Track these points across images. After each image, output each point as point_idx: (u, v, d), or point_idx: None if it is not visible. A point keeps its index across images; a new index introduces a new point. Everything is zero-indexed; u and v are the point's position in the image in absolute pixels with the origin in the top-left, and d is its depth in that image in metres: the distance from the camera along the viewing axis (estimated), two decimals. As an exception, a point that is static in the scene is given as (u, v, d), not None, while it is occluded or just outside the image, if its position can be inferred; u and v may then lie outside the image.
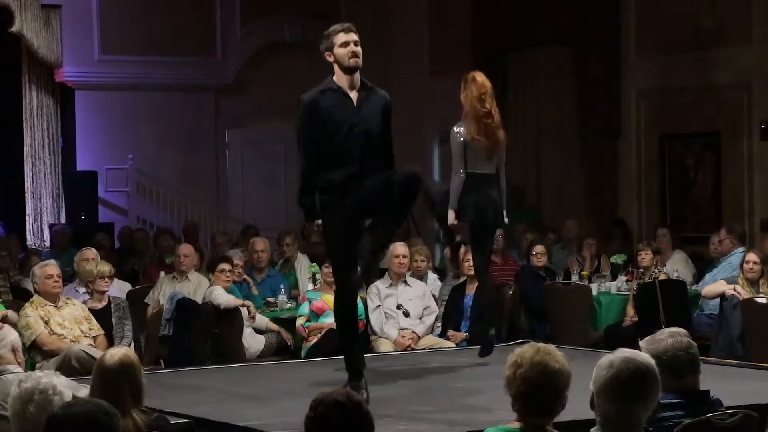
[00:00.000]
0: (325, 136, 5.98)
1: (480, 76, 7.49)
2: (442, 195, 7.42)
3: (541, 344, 3.75)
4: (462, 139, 7.33)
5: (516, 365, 3.67)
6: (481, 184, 7.33)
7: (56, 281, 8.27)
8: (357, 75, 6.09)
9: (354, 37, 6.06)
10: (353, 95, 6.08)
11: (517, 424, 3.68)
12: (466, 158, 7.34)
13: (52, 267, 8.35)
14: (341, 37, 6.05)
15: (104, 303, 8.64)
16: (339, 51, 6.06)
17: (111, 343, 8.23)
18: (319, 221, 6.15)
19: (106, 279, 8.66)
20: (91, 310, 8.47)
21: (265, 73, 16.29)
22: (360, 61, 6.05)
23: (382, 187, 6.03)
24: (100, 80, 15.42)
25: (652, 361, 3.73)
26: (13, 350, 5.40)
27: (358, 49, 6.07)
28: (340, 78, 6.10)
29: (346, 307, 6.20)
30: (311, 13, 16.44)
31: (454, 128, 7.43)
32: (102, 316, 8.48)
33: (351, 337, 6.27)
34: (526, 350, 3.70)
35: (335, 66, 6.08)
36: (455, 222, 7.34)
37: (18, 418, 3.74)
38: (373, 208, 6.06)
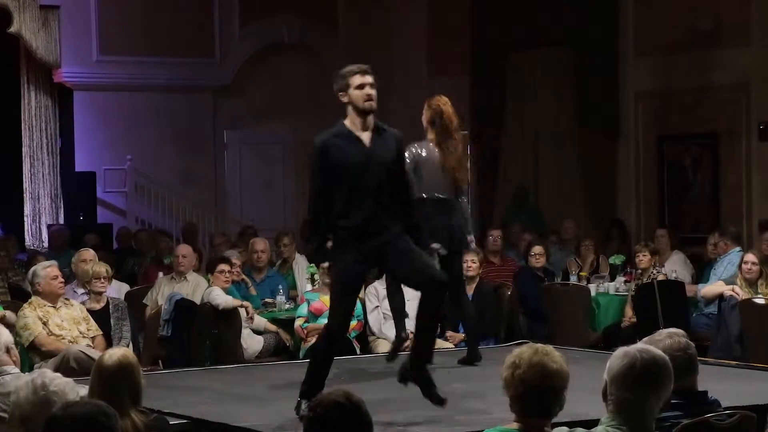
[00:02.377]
0: (339, 180, 5.90)
1: (446, 106, 7.52)
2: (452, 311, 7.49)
3: (539, 345, 3.75)
4: (415, 159, 7.37)
5: (514, 366, 3.67)
6: (437, 208, 7.32)
7: (61, 282, 8.28)
8: (370, 117, 6.02)
9: (370, 79, 5.98)
10: (365, 137, 5.99)
11: (515, 425, 3.68)
12: (425, 182, 7.36)
13: (55, 268, 8.34)
14: (357, 79, 5.97)
15: (102, 304, 8.64)
16: (354, 93, 5.98)
17: (109, 343, 8.23)
18: (326, 264, 6.15)
19: (102, 279, 8.65)
20: (89, 311, 8.46)
21: (264, 74, 16.29)
22: (375, 104, 5.99)
23: (410, 273, 5.96)
24: (98, 81, 15.41)
25: (666, 356, 3.81)
26: (8, 350, 5.39)
27: (374, 92, 5.98)
28: (353, 120, 6.02)
29: (326, 349, 6.08)
30: (310, 14, 16.46)
31: (414, 145, 7.45)
32: (100, 316, 8.48)
33: (319, 371, 6.08)
34: (524, 351, 3.71)
35: (349, 107, 6.01)
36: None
37: (26, 417, 3.73)
38: (391, 273, 6.07)
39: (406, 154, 7.12)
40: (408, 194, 6.16)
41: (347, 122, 6.02)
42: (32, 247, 14.51)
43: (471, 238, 7.74)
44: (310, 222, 6.14)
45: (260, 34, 16.36)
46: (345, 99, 6.01)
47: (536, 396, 3.64)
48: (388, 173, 5.96)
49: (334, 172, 5.91)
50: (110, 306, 8.64)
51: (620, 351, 3.76)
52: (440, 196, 7.40)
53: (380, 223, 5.88)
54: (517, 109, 14.95)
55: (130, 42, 15.41)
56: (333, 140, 5.97)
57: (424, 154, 7.44)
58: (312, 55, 16.61)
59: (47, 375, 3.90)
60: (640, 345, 3.82)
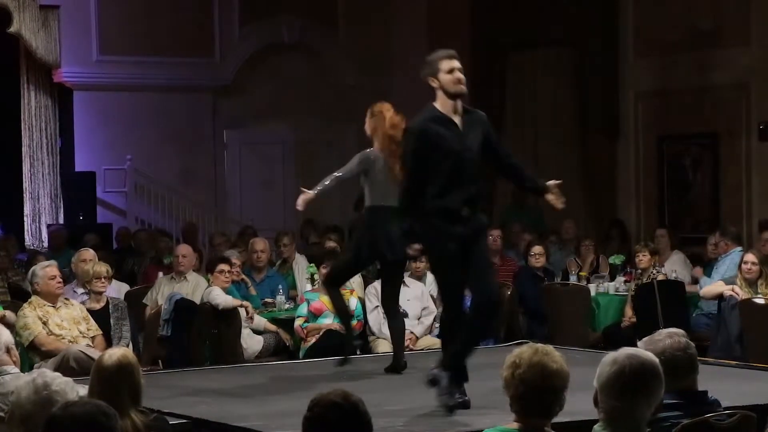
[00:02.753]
0: (435, 163, 6.00)
1: (389, 113, 7.45)
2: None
3: (539, 345, 3.74)
4: (365, 165, 7.35)
5: (514, 366, 3.66)
6: (386, 217, 7.26)
7: (59, 282, 8.28)
8: (459, 101, 6.14)
9: (458, 64, 6.14)
10: (457, 120, 6.11)
11: (515, 425, 3.68)
12: (374, 190, 7.35)
13: (54, 268, 8.34)
14: (446, 64, 6.13)
15: (102, 304, 8.63)
16: (445, 77, 6.11)
17: (109, 343, 8.22)
18: (417, 246, 6.24)
19: (103, 279, 8.65)
20: (89, 310, 8.46)
21: (264, 74, 16.28)
22: (464, 87, 6.13)
23: (475, 278, 6.07)
24: (98, 81, 15.40)
25: (656, 359, 3.75)
26: (8, 350, 5.39)
27: (463, 76, 6.13)
28: (444, 103, 6.12)
29: (455, 317, 6.19)
30: (310, 14, 16.45)
31: (368, 150, 7.45)
32: (100, 316, 8.47)
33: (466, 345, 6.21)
34: (524, 351, 3.70)
35: (438, 92, 6.12)
36: (304, 200, 7.45)
37: (32, 418, 3.73)
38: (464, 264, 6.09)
39: (356, 160, 7.33)
40: (513, 161, 6.38)
41: (438, 105, 6.13)
42: (32, 247, 14.51)
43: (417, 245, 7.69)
44: (405, 204, 6.21)
45: (260, 34, 16.36)
46: (434, 84, 6.12)
47: (536, 396, 3.64)
48: (478, 156, 6.10)
49: (430, 156, 6.00)
50: (110, 306, 8.64)
51: (609, 357, 3.70)
52: (391, 204, 7.24)
53: (473, 205, 6.05)
54: (517, 109, 14.95)
55: (130, 42, 15.40)
56: (429, 124, 6.08)
57: (373, 161, 7.35)
58: (312, 55, 16.61)
59: (48, 375, 3.90)
60: (628, 350, 3.73)
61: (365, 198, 7.51)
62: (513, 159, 6.42)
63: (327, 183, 7.52)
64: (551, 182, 6.64)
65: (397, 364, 7.56)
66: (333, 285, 7.69)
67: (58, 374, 3.95)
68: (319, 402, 3.30)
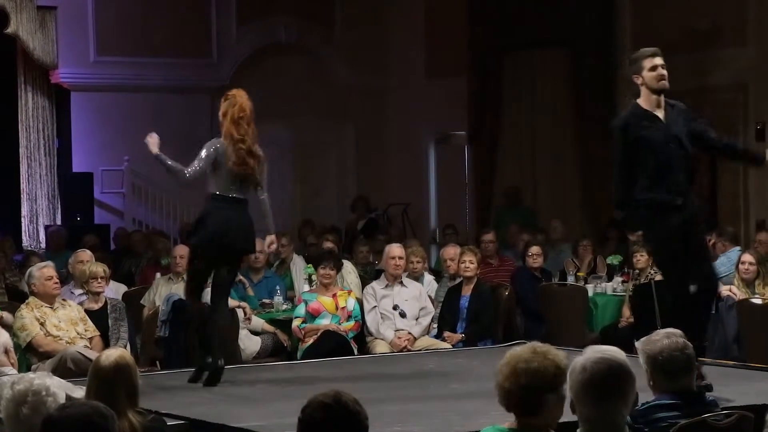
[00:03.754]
0: (641, 156, 6.34)
1: (240, 98, 7.44)
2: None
3: (536, 343, 3.73)
4: (216, 153, 7.27)
5: (510, 363, 3.67)
6: (229, 207, 7.23)
7: (56, 282, 8.27)
8: (662, 96, 6.46)
9: (661, 61, 6.44)
10: (660, 114, 6.44)
11: (512, 424, 3.68)
12: (219, 179, 7.25)
13: (50, 269, 8.33)
14: (649, 62, 6.43)
15: (100, 304, 8.63)
16: (648, 74, 6.43)
17: (106, 344, 8.22)
18: (639, 232, 6.56)
19: (100, 279, 8.64)
20: (87, 311, 8.46)
21: (261, 75, 16.27)
22: (667, 83, 6.45)
23: (698, 265, 6.38)
24: (95, 82, 15.41)
25: (622, 355, 3.68)
26: (6, 351, 5.38)
27: (666, 72, 6.43)
28: (647, 99, 6.45)
29: (681, 299, 6.40)
30: (307, 15, 16.46)
31: (216, 139, 7.39)
32: (98, 317, 8.47)
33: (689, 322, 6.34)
34: (523, 348, 3.70)
35: (642, 88, 6.45)
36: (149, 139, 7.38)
37: (12, 420, 3.73)
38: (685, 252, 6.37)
39: (205, 151, 7.26)
40: (725, 142, 6.67)
41: (641, 102, 6.45)
42: (30, 248, 14.50)
43: (272, 238, 7.58)
44: (619, 195, 6.53)
45: (257, 34, 16.36)
46: (639, 81, 6.47)
47: (529, 394, 3.63)
48: (684, 145, 6.38)
49: (635, 149, 6.33)
50: (108, 306, 8.63)
51: (577, 365, 3.62)
52: (232, 195, 7.27)
53: (683, 194, 6.34)
54: (514, 109, 14.96)
55: (127, 43, 15.40)
56: (631, 119, 6.41)
57: (221, 150, 7.28)
58: (309, 55, 16.61)
59: (25, 377, 3.87)
60: (595, 353, 3.66)
61: (210, 186, 7.31)
62: (724, 139, 6.68)
63: (170, 163, 7.36)
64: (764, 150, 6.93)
65: (212, 369, 7.17)
66: (195, 289, 7.45)
67: (36, 374, 3.90)
68: (311, 404, 3.31)
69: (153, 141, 7.43)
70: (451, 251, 10.13)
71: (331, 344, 8.78)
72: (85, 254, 9.52)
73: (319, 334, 8.91)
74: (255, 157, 7.36)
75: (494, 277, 10.73)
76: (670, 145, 6.33)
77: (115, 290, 9.71)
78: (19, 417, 3.70)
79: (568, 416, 3.85)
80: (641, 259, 10.17)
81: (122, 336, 8.57)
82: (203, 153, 7.33)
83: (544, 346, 3.68)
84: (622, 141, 6.39)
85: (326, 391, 3.34)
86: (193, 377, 7.28)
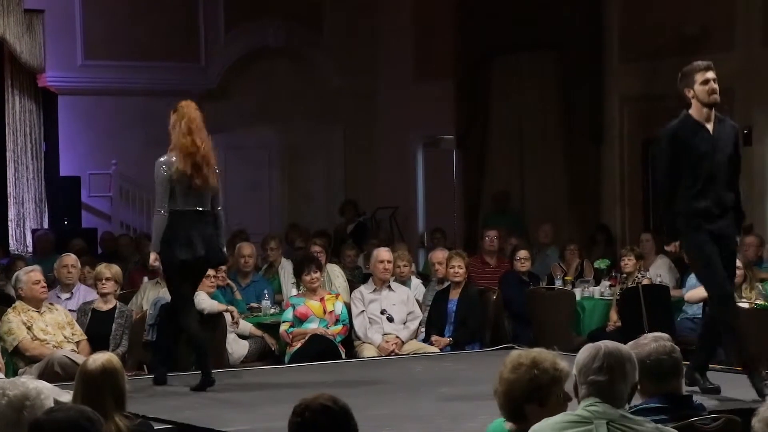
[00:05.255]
0: (686, 166, 6.45)
1: (189, 108, 7.35)
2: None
3: (540, 349, 3.89)
4: (166, 173, 7.20)
5: (512, 366, 3.73)
6: (191, 221, 7.18)
7: (43, 287, 8.27)
8: (713, 109, 6.51)
9: (713, 75, 6.51)
10: (709, 127, 6.50)
11: (513, 426, 3.74)
12: (176, 195, 7.19)
13: (38, 273, 8.33)
14: (701, 75, 6.51)
15: (110, 306, 8.72)
16: (699, 88, 6.49)
17: (103, 346, 8.19)
18: (677, 243, 6.61)
19: (104, 281, 8.73)
20: (95, 310, 8.58)
21: (249, 78, 16.28)
22: (718, 97, 6.52)
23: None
24: (83, 85, 15.37)
25: (630, 350, 3.95)
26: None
27: (717, 86, 6.50)
28: (698, 112, 6.51)
29: (728, 309, 6.58)
30: (295, 18, 16.46)
31: (160, 159, 7.29)
32: (103, 318, 8.57)
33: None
34: (527, 352, 3.85)
35: (693, 101, 6.50)
36: (156, 263, 7.29)
37: (13, 428, 3.70)
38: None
39: (159, 183, 7.19)
40: (736, 182, 6.65)
41: (692, 113, 6.52)
42: (16, 252, 14.46)
43: (223, 252, 7.51)
44: (663, 203, 6.71)
45: (245, 38, 16.35)
46: (690, 94, 6.52)
47: (524, 398, 3.68)
48: (730, 159, 6.51)
49: (683, 158, 6.43)
50: (116, 310, 8.70)
51: (585, 347, 3.92)
52: (196, 208, 7.23)
53: (724, 206, 6.47)
54: (502, 113, 14.97)
55: (114, 46, 15.38)
56: (681, 129, 6.48)
57: (171, 167, 7.21)
58: (298, 59, 16.60)
59: (17, 382, 3.85)
60: (603, 340, 3.97)
61: (168, 203, 7.21)
62: (736, 180, 6.66)
63: (160, 227, 7.24)
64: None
65: (206, 381, 7.22)
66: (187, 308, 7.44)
67: (26, 379, 3.89)
68: (309, 406, 3.30)
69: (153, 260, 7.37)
70: (440, 255, 10.15)
71: (318, 348, 8.77)
72: (70, 258, 9.50)
73: (306, 338, 8.90)
74: (210, 166, 7.29)
75: (492, 278, 10.72)
76: (717, 157, 6.44)
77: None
78: (21, 422, 3.68)
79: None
80: (629, 263, 10.19)
81: (123, 343, 8.62)
82: (157, 185, 7.25)
83: (545, 352, 3.77)
84: (670, 150, 6.48)
85: (321, 394, 3.34)
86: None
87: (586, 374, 3.79)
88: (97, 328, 8.52)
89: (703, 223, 6.43)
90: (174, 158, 7.24)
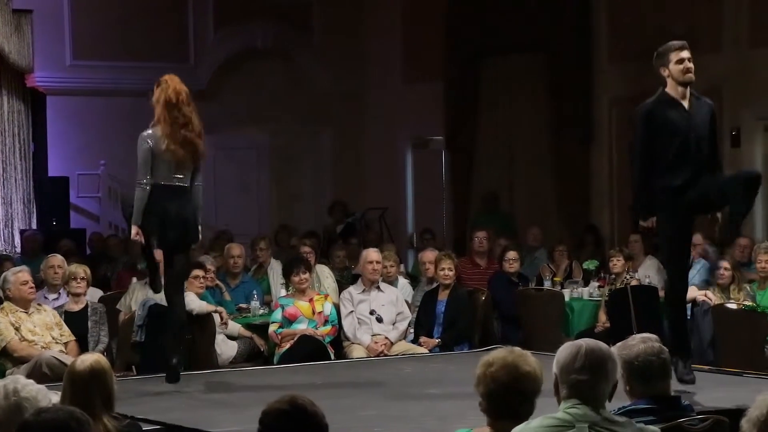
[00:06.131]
0: (662, 143, 6.45)
1: (173, 81, 7.28)
2: None
3: (516, 348, 3.78)
4: (149, 145, 7.11)
5: (488, 364, 3.70)
6: (173, 196, 7.10)
7: (31, 287, 8.25)
8: (688, 88, 6.54)
9: (688, 54, 6.53)
10: (685, 104, 6.53)
11: (487, 429, 3.69)
12: (155, 168, 7.08)
13: (26, 273, 8.32)
14: (676, 55, 6.53)
15: (81, 306, 8.64)
16: (674, 67, 6.52)
17: (85, 346, 8.19)
18: (653, 219, 6.61)
19: (79, 280, 8.65)
20: (66, 312, 8.46)
21: (238, 79, 16.26)
22: (693, 76, 6.52)
23: (722, 185, 6.53)
24: (71, 86, 15.34)
25: (610, 349, 3.91)
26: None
27: (692, 65, 6.52)
28: (673, 89, 6.54)
29: (678, 290, 6.64)
30: (284, 20, 16.45)
31: (143, 133, 7.21)
32: (78, 319, 8.46)
33: (681, 312, 6.69)
34: (500, 351, 3.76)
35: (668, 79, 6.55)
36: (138, 237, 7.11)
37: (2, 425, 3.70)
38: (710, 205, 6.59)
39: (140, 154, 7.10)
40: (717, 160, 6.69)
41: (668, 90, 6.55)
42: (5, 253, 14.42)
43: (198, 230, 7.33)
44: (636, 181, 6.66)
45: (234, 39, 16.34)
46: (665, 73, 6.55)
47: (505, 396, 3.66)
48: (705, 139, 6.52)
49: (658, 135, 6.44)
50: (89, 309, 8.63)
51: (564, 345, 3.86)
52: (176, 183, 7.12)
53: (697, 179, 6.44)
54: (491, 114, 14.98)
55: (103, 47, 15.35)
56: (656, 105, 6.52)
57: (153, 140, 7.13)
58: (286, 60, 16.59)
59: (20, 381, 3.88)
60: (583, 339, 3.92)
61: (150, 175, 7.09)
62: (715, 156, 6.69)
63: (141, 200, 7.11)
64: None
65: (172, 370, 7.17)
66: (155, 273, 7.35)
67: (30, 381, 3.92)
68: (268, 413, 3.31)
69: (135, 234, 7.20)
70: (430, 255, 10.16)
71: (307, 349, 8.77)
72: (57, 258, 9.49)
73: (295, 339, 8.90)
74: (202, 137, 7.22)
75: (481, 279, 10.72)
76: (691, 133, 6.45)
77: (91, 295, 9.67)
78: (6, 421, 3.67)
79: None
80: (617, 264, 10.21)
81: (102, 340, 8.57)
82: (139, 158, 7.14)
83: (522, 351, 3.73)
84: (646, 126, 6.49)
85: (281, 398, 3.34)
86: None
87: (568, 373, 3.75)
88: (72, 330, 8.42)
89: (678, 198, 6.40)
90: (158, 131, 7.16)
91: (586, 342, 3.83)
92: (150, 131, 7.21)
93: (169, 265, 7.33)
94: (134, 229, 7.15)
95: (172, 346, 7.32)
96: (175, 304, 7.37)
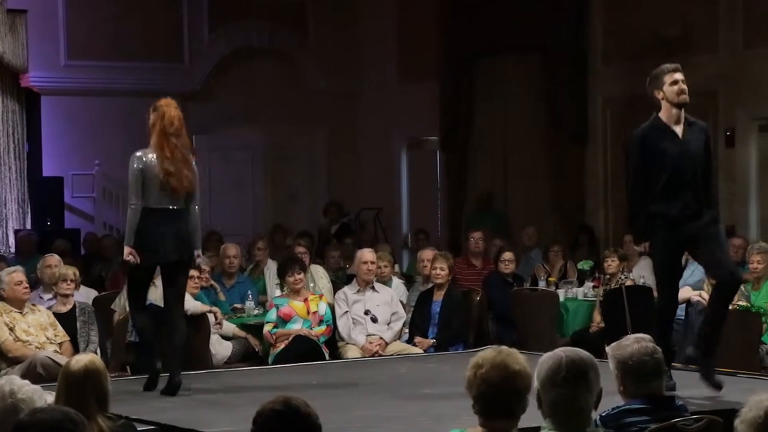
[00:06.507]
0: (656, 169, 6.49)
1: (169, 108, 7.34)
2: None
3: (503, 347, 3.77)
4: (138, 167, 7.14)
5: (477, 366, 3.69)
6: (167, 219, 7.11)
7: (26, 287, 8.24)
8: (682, 110, 6.56)
9: (681, 76, 6.58)
10: (678, 129, 6.56)
11: (479, 429, 3.69)
12: (149, 192, 7.11)
13: (20, 273, 8.31)
14: (670, 77, 6.57)
15: (69, 307, 8.60)
16: (668, 89, 6.55)
17: (75, 348, 8.18)
18: (647, 243, 6.63)
19: (69, 282, 8.62)
20: (55, 314, 8.43)
21: (233, 79, 16.26)
22: (687, 97, 6.55)
23: (713, 259, 6.59)
24: (66, 86, 15.33)
25: (591, 356, 3.82)
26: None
27: (686, 87, 6.56)
28: (667, 113, 6.56)
29: (668, 310, 6.72)
30: (279, 19, 16.45)
31: (136, 153, 7.24)
32: (66, 320, 8.43)
33: (666, 330, 6.68)
34: (487, 352, 3.74)
35: (663, 102, 6.57)
36: (130, 258, 7.10)
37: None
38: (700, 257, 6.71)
39: (131, 176, 7.13)
40: (711, 183, 6.73)
41: (662, 115, 6.57)
42: (-1, 253, 14.43)
43: (198, 252, 7.37)
44: (630, 205, 6.75)
45: (229, 38, 16.33)
46: (659, 95, 6.59)
47: (498, 396, 3.65)
48: (700, 162, 6.56)
49: (652, 161, 6.49)
50: (77, 310, 8.60)
51: (545, 356, 3.79)
52: (169, 206, 7.14)
53: (695, 209, 6.48)
54: (486, 114, 14.99)
55: (98, 47, 15.34)
56: (650, 132, 6.56)
57: (148, 162, 7.16)
58: (282, 59, 16.59)
59: (16, 382, 3.88)
60: (564, 348, 3.85)
61: (141, 197, 7.12)
62: (710, 180, 6.74)
63: (133, 221, 7.13)
64: None
65: (169, 384, 7.10)
66: (137, 303, 7.37)
67: (26, 382, 3.92)
68: (261, 413, 3.31)
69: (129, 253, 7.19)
70: (429, 253, 10.15)
71: (302, 349, 8.77)
72: (53, 258, 9.49)
73: (290, 339, 8.90)
74: (189, 170, 7.22)
75: (477, 280, 10.72)
76: (685, 160, 6.48)
77: (85, 295, 9.67)
78: (1, 422, 3.67)
79: (535, 421, 3.87)
80: (612, 264, 10.22)
81: (92, 340, 8.54)
82: (131, 177, 7.18)
83: (510, 349, 3.72)
84: (640, 152, 6.52)
85: (275, 398, 3.34)
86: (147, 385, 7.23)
87: (550, 386, 3.70)
88: (62, 332, 8.42)
89: (671, 227, 6.46)
90: (151, 155, 7.18)
91: (565, 353, 3.77)
92: (142, 153, 7.23)
93: (168, 284, 7.33)
94: (126, 250, 7.15)
95: (166, 360, 7.25)
96: (177, 321, 7.30)
